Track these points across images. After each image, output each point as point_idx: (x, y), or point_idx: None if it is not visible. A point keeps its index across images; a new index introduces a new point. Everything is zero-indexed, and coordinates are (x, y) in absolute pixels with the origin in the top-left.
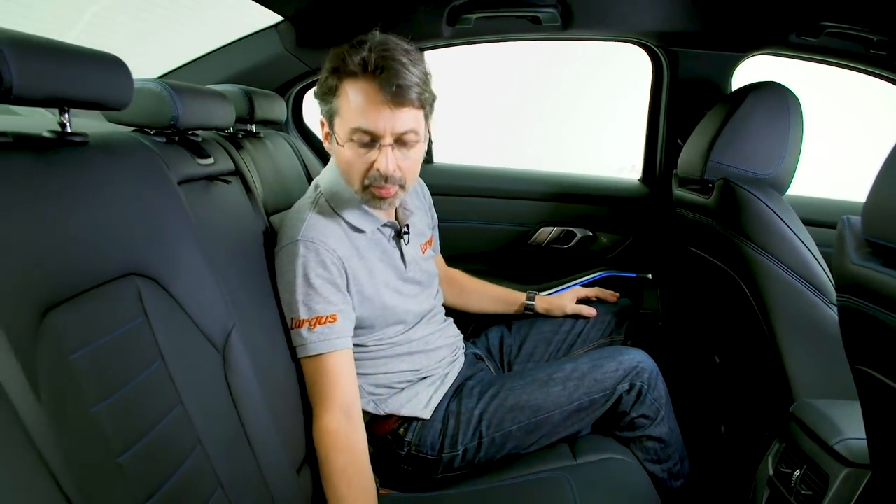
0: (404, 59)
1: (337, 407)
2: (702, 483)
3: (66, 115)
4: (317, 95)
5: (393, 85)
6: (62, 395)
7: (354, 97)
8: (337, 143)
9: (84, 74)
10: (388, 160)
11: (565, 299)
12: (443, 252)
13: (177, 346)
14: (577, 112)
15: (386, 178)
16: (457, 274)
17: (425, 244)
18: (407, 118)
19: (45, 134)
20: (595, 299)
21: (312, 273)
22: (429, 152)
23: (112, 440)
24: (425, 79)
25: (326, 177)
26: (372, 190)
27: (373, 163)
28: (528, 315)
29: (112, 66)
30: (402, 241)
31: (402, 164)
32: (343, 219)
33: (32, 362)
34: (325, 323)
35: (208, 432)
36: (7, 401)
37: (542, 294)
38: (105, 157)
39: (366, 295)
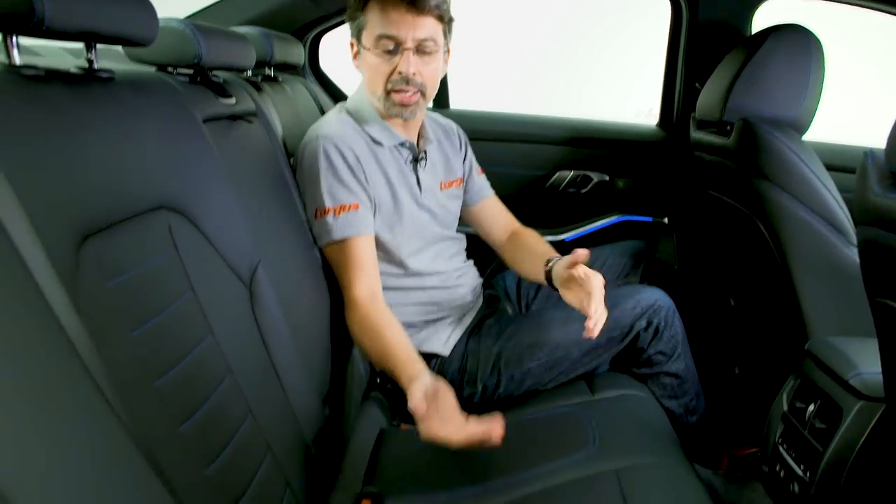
0: None
1: (363, 290)
2: (716, 420)
3: (94, 52)
4: (347, 18)
5: None
6: (103, 319)
7: (380, 8)
8: (365, 50)
9: (110, 9)
10: (409, 63)
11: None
12: None
13: (205, 279)
14: (593, 58)
15: (407, 81)
16: (523, 232)
17: (447, 182)
18: (427, 26)
19: (73, 70)
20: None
21: (334, 164)
22: (445, 97)
23: (150, 364)
24: None
25: (351, 98)
26: (394, 96)
27: (395, 67)
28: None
29: (136, 1)
30: (418, 165)
31: (422, 69)
32: (363, 130)
33: (74, 287)
34: (348, 210)
35: (238, 363)
36: (54, 319)
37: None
38: (132, 93)
39: (382, 199)
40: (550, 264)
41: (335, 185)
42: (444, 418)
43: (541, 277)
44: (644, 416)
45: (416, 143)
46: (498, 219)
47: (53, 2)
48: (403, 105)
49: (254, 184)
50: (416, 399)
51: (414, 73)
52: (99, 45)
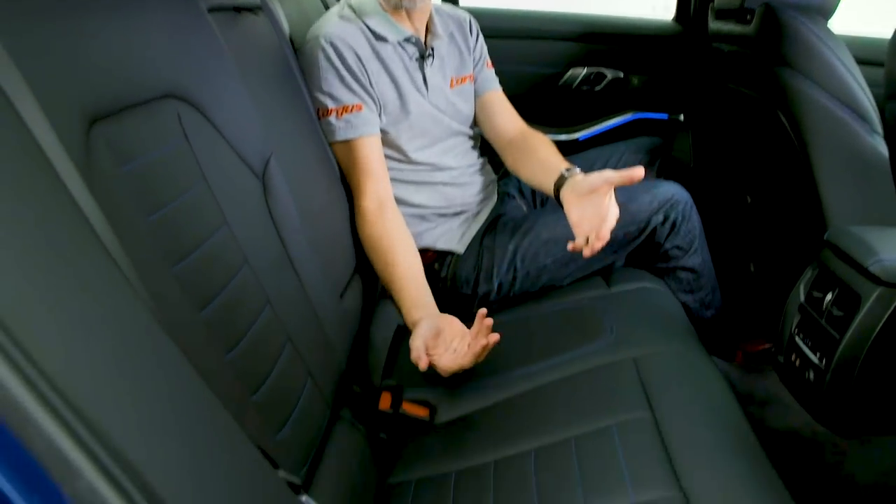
0: None
1: (370, 199)
2: (731, 315)
3: None
4: None
5: None
6: (119, 202)
7: None
8: None
9: None
10: None
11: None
12: None
13: (218, 170)
14: None
15: None
16: (530, 133)
17: (459, 79)
18: None
19: None
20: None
21: (335, 65)
22: None
23: (167, 250)
24: None
25: None
26: None
27: None
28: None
29: None
30: (425, 63)
31: None
32: (367, 25)
33: (88, 170)
34: (351, 112)
35: (253, 253)
36: (70, 198)
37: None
38: None
39: (387, 99)
40: (569, 173)
41: (336, 85)
42: (452, 353)
43: (547, 185)
44: (661, 307)
45: (423, 39)
46: (502, 115)
47: None
48: None
49: (262, 76)
50: (416, 351)
51: None
52: None
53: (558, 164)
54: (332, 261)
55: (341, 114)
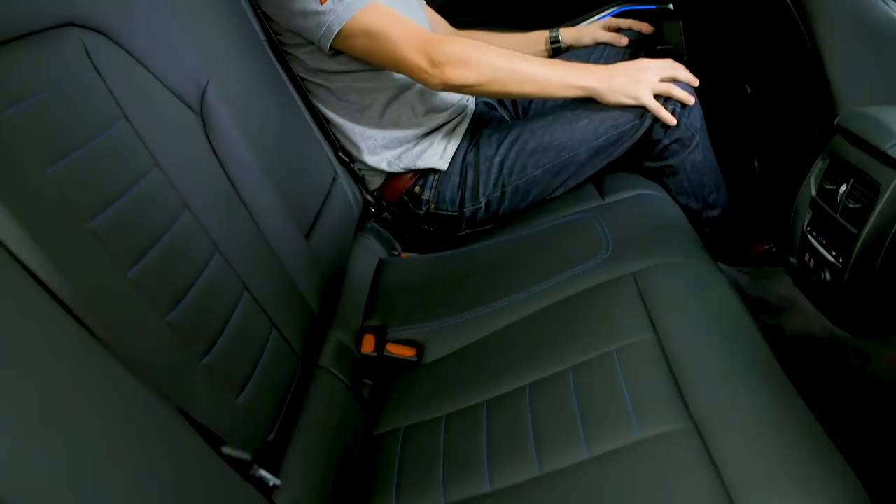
0: None
1: (431, 37)
2: (738, 213)
3: None
4: None
5: None
6: (9, 156)
7: None
8: None
9: None
10: None
11: (594, 27)
12: (433, 5)
13: (143, 106)
14: None
15: None
16: (471, 33)
17: None
18: None
19: None
20: (629, 29)
21: None
22: None
23: (78, 204)
24: None
25: None
26: None
27: None
28: (555, 52)
29: None
30: None
31: None
32: None
33: None
34: None
35: (196, 198)
36: None
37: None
38: None
39: None
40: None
41: None
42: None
43: (534, 48)
44: (660, 215)
45: None
46: (442, 27)
47: None
48: None
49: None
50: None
51: None
52: None
53: (535, 34)
54: (294, 196)
55: None
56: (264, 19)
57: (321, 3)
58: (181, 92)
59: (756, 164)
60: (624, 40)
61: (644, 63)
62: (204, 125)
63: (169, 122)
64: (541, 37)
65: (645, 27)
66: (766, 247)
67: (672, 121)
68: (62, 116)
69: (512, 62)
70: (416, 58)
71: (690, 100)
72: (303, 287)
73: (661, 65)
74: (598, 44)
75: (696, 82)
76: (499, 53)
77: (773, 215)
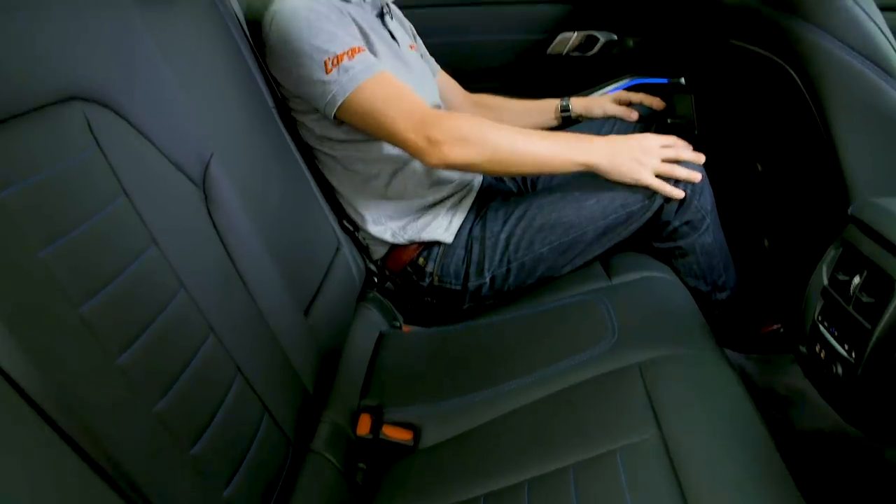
0: None
1: (430, 115)
2: (748, 298)
3: None
4: None
5: None
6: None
7: None
8: None
9: None
10: None
11: (605, 100)
12: (452, 68)
13: (143, 180)
14: None
15: None
16: (482, 96)
17: (409, 45)
18: None
19: None
20: (639, 103)
21: (324, 14)
22: None
23: (70, 289)
24: None
25: None
26: None
27: None
28: (565, 122)
29: None
30: (385, 19)
31: None
32: None
33: None
34: (360, 52)
35: (192, 276)
36: None
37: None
38: None
39: None
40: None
41: (336, 30)
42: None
43: (547, 119)
44: (667, 300)
45: None
46: (455, 91)
47: None
48: None
49: (200, 67)
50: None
51: None
52: None
53: (545, 101)
54: (295, 271)
55: (353, 55)
56: (274, 84)
57: (327, 73)
58: (184, 165)
59: (766, 242)
60: (634, 115)
61: (648, 141)
62: (205, 199)
63: (169, 196)
64: (551, 105)
65: (656, 102)
66: (775, 327)
67: (679, 195)
68: (60, 196)
69: (513, 140)
70: (413, 136)
71: (696, 177)
72: (298, 366)
73: (665, 142)
74: (608, 117)
75: (701, 160)
76: (499, 130)
77: (783, 296)
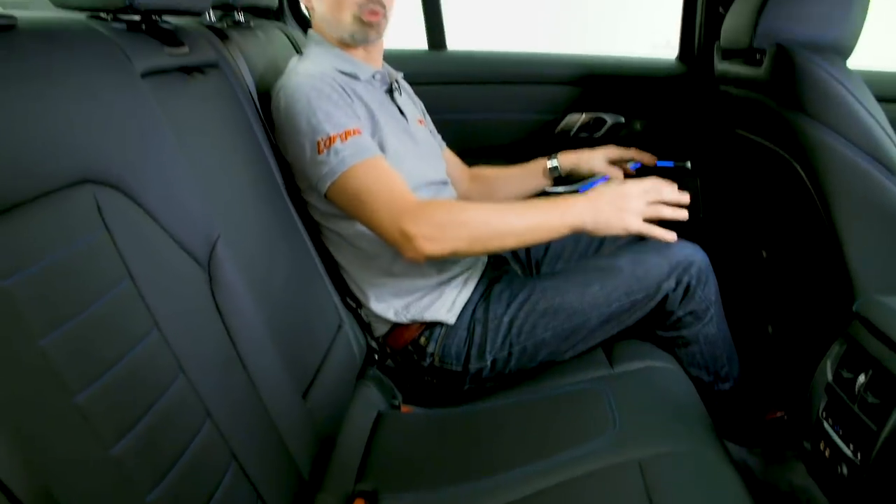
0: None
1: (409, 197)
2: (750, 387)
3: None
4: None
5: None
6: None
7: None
8: None
9: None
10: None
11: (595, 157)
12: (461, 146)
13: (149, 262)
14: None
15: (380, 4)
16: (479, 168)
17: (418, 120)
18: None
19: None
20: (632, 160)
21: (326, 93)
22: (440, 37)
23: (68, 377)
24: None
25: (308, 45)
26: (361, 18)
27: None
28: (556, 181)
29: None
30: (394, 95)
31: None
32: (334, 67)
33: None
34: (354, 135)
35: (192, 359)
36: None
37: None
38: (40, 44)
39: (370, 134)
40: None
41: (334, 111)
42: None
43: (537, 181)
44: (670, 391)
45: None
46: (456, 166)
47: None
48: (371, 26)
49: (211, 146)
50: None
51: None
52: None
53: (535, 163)
54: (295, 352)
55: (346, 137)
56: (285, 164)
57: (319, 153)
58: (190, 246)
59: (770, 329)
60: (620, 174)
61: (628, 188)
62: (210, 280)
63: (174, 278)
64: (539, 166)
65: (647, 158)
66: (779, 414)
67: (671, 237)
68: (66, 281)
69: (488, 219)
70: (390, 230)
71: (682, 215)
72: (294, 450)
73: (645, 187)
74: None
75: (685, 200)
76: (475, 210)
77: (787, 384)
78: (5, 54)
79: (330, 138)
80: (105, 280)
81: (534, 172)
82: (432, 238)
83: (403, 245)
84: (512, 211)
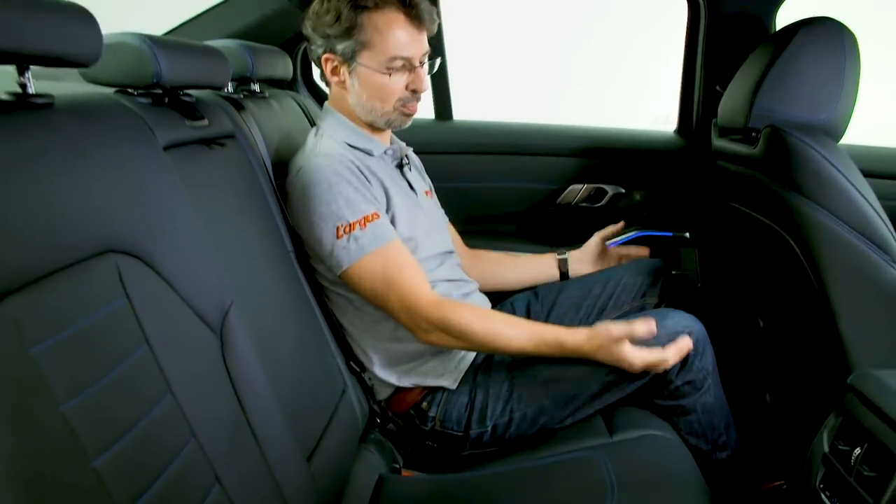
0: None
1: (431, 292)
2: (748, 456)
3: (27, 75)
4: (330, 34)
5: (423, 13)
6: (20, 395)
7: (388, 29)
8: (367, 70)
9: (43, 26)
10: (420, 79)
11: (591, 243)
12: (466, 213)
13: (165, 329)
14: (606, 60)
15: (418, 97)
16: (481, 252)
17: (426, 192)
18: (426, 40)
19: (2, 96)
20: (637, 258)
21: (345, 177)
22: (447, 108)
23: (87, 442)
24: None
25: (324, 122)
26: (402, 109)
27: (406, 84)
28: (563, 276)
29: (75, 16)
30: (404, 169)
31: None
32: (349, 144)
33: None
34: (372, 220)
35: (203, 423)
36: None
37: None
38: (75, 120)
39: (384, 209)
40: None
41: (353, 196)
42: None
43: (547, 272)
44: (667, 460)
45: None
46: (458, 244)
47: None
48: (410, 115)
49: (227, 215)
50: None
51: (425, 88)
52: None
53: (543, 257)
54: (301, 416)
55: (365, 224)
56: (294, 230)
57: (338, 238)
58: (204, 313)
59: (768, 397)
60: (645, 251)
61: (628, 354)
62: (222, 346)
63: (188, 344)
64: (548, 259)
65: (643, 251)
66: (777, 483)
67: (668, 364)
68: (88, 348)
69: (496, 335)
70: (404, 317)
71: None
72: None
73: (645, 359)
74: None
75: (653, 330)
76: (483, 325)
77: (785, 452)
78: (44, 131)
79: (350, 225)
80: (124, 346)
81: (541, 265)
82: (442, 335)
83: (417, 332)
84: (517, 328)
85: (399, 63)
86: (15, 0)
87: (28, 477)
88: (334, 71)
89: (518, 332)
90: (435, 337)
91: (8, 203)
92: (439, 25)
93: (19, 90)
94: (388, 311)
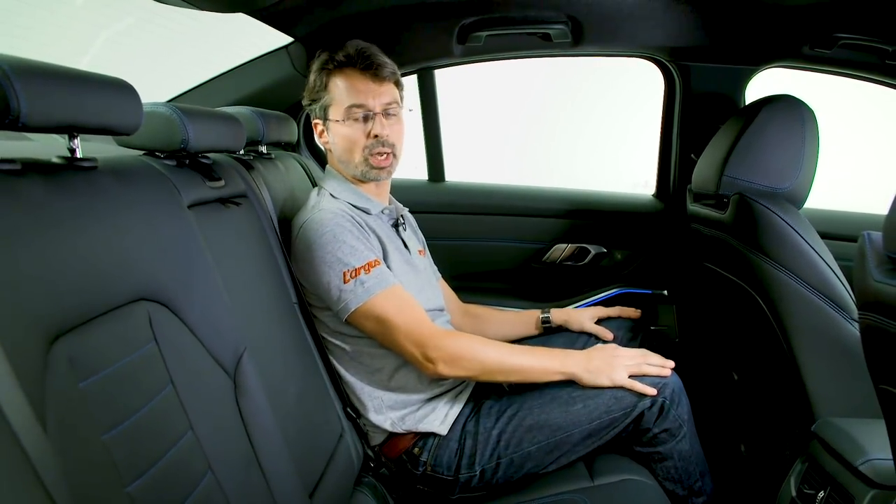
0: (376, 51)
1: (430, 324)
2: (725, 498)
3: (76, 141)
4: (307, 99)
5: (374, 66)
6: (72, 424)
7: (345, 83)
8: (335, 124)
9: (92, 100)
10: (381, 125)
11: (584, 316)
12: (457, 269)
13: (187, 371)
14: (589, 128)
15: (382, 143)
16: (471, 306)
17: (420, 251)
18: (389, 92)
19: (54, 160)
20: (617, 317)
21: (347, 228)
22: (439, 171)
23: (122, 469)
24: (394, 66)
25: (325, 182)
26: (370, 160)
27: (369, 131)
28: (546, 331)
29: (121, 90)
30: (399, 229)
31: (390, 129)
32: (348, 202)
33: (40, 392)
34: (375, 266)
35: (219, 458)
36: (11, 434)
37: (557, 309)
38: (114, 181)
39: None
40: (547, 312)
41: (357, 244)
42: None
43: (528, 328)
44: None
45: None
46: (453, 300)
47: (31, 97)
48: (380, 168)
49: (241, 268)
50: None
51: (387, 134)
52: None
53: (527, 313)
54: (304, 456)
55: (369, 269)
56: (297, 282)
57: (344, 283)
58: (221, 358)
59: (743, 448)
60: (609, 335)
61: (620, 349)
62: (235, 388)
63: (206, 386)
64: (532, 316)
65: (631, 312)
66: None
67: (651, 392)
68: (125, 385)
69: (501, 356)
70: (413, 350)
71: (665, 372)
72: None
73: (633, 353)
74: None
75: (669, 365)
76: (490, 348)
77: (757, 499)
78: (92, 191)
79: (356, 270)
80: (153, 387)
81: (525, 321)
82: (450, 364)
83: (425, 365)
84: (521, 353)
85: (358, 112)
86: (69, 77)
87: (72, 500)
88: (321, 133)
89: (522, 351)
90: (442, 367)
91: (60, 256)
92: (434, 96)
93: (68, 154)
94: (395, 348)
